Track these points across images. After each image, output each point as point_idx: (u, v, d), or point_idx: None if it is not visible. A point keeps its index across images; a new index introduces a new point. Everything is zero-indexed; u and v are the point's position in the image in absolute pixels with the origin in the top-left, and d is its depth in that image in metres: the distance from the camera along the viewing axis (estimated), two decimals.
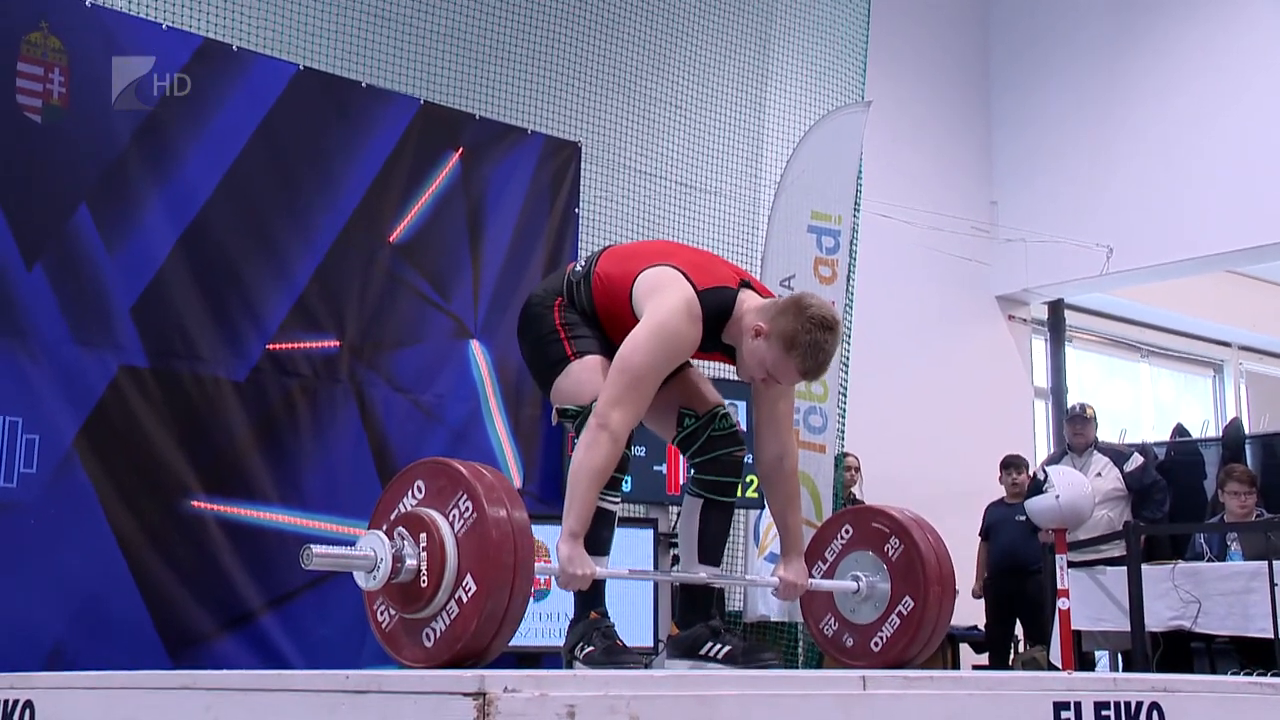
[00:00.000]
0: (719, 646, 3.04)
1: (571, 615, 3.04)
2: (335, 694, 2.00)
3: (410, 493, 2.58)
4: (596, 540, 2.95)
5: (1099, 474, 6.95)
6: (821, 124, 7.15)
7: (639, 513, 6.18)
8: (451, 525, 2.47)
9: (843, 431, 7.02)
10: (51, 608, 4.56)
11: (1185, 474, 7.78)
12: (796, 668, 6.58)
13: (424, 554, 2.47)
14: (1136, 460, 7.06)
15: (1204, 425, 9.65)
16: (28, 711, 2.53)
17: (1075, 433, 7.17)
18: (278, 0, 5.66)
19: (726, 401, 3.24)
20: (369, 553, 2.51)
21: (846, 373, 7.06)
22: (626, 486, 5.63)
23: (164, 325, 4.99)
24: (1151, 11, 9.44)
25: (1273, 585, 5.36)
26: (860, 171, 7.24)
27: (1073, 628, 5.89)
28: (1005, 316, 10.10)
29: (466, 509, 2.46)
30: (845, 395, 7.01)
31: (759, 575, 3.44)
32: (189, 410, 5.02)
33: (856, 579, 3.28)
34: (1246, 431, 8.63)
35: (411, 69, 6.03)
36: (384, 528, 2.55)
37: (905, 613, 3.21)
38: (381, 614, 2.60)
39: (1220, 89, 8.94)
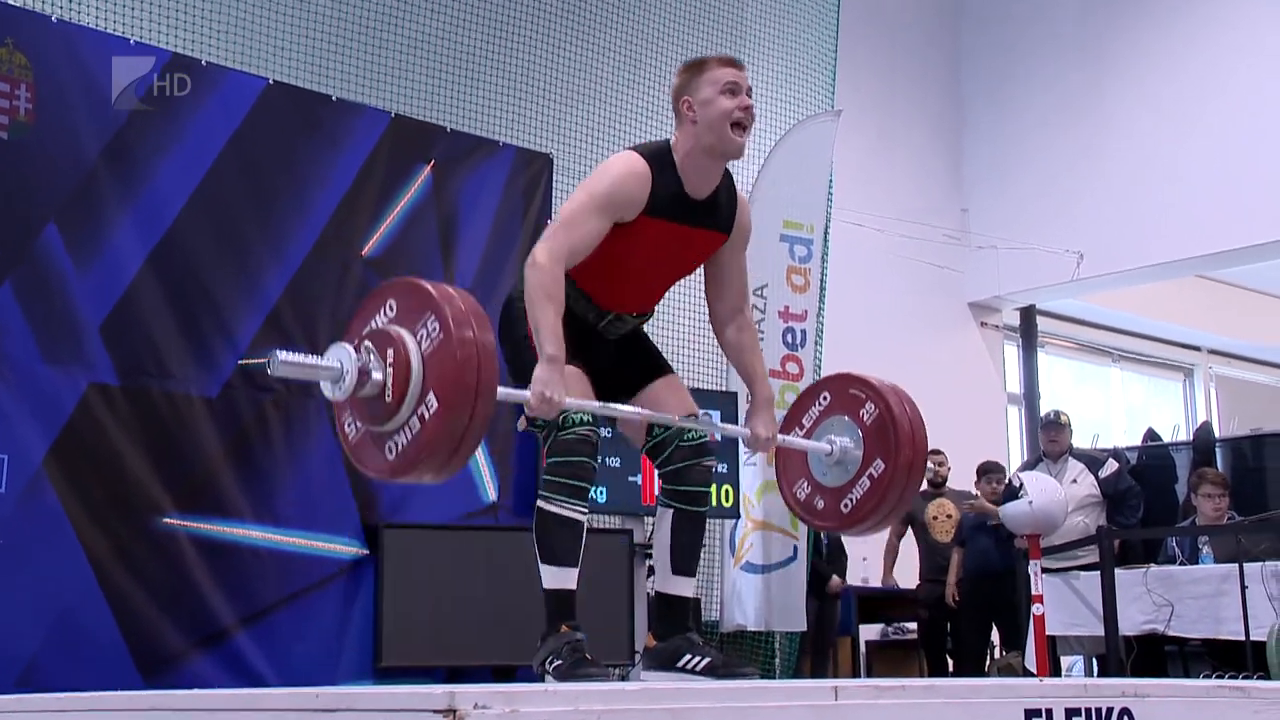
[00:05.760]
0: (697, 659, 3.02)
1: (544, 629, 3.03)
2: (305, 713, 2.00)
3: (383, 310, 2.63)
4: (565, 550, 2.94)
5: (1074, 480, 6.96)
6: (792, 133, 7.18)
7: (614, 523, 6.18)
8: (419, 344, 2.53)
9: None
10: (22, 629, 4.52)
11: (1156, 478, 7.82)
12: (774, 678, 6.59)
13: (390, 370, 2.53)
14: (1111, 466, 7.07)
15: (1175, 429, 9.71)
16: None
17: (1050, 439, 7.17)
18: (246, 14, 5.65)
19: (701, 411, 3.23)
20: (335, 364, 2.57)
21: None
22: (601, 498, 5.62)
23: (134, 342, 4.97)
24: (1120, 21, 9.52)
25: (1243, 588, 5.39)
26: (831, 180, 7.27)
27: (1047, 633, 5.92)
28: (978, 323, 10.16)
29: (434, 329, 2.51)
30: None
31: (732, 426, 3.41)
32: (160, 427, 4.99)
33: (830, 442, 3.28)
34: (1216, 435, 8.69)
35: (382, 82, 6.03)
36: (354, 342, 2.60)
37: (875, 475, 3.21)
38: (349, 426, 2.67)
39: (1188, 97, 9.03)
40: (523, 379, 3.03)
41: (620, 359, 3.18)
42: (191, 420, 5.07)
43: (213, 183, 5.24)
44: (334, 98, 5.71)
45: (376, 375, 2.54)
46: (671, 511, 3.11)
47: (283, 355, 2.55)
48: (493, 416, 2.57)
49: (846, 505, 3.26)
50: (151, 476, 4.92)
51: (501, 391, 2.62)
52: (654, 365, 3.22)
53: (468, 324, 2.50)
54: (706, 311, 3.32)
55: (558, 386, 2.80)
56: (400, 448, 2.54)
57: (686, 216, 3.06)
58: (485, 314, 2.58)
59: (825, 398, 3.36)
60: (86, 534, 4.73)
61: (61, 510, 4.68)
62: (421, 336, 2.52)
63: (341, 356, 2.57)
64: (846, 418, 3.28)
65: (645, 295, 3.18)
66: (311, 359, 2.61)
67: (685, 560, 3.14)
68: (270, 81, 5.50)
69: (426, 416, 2.49)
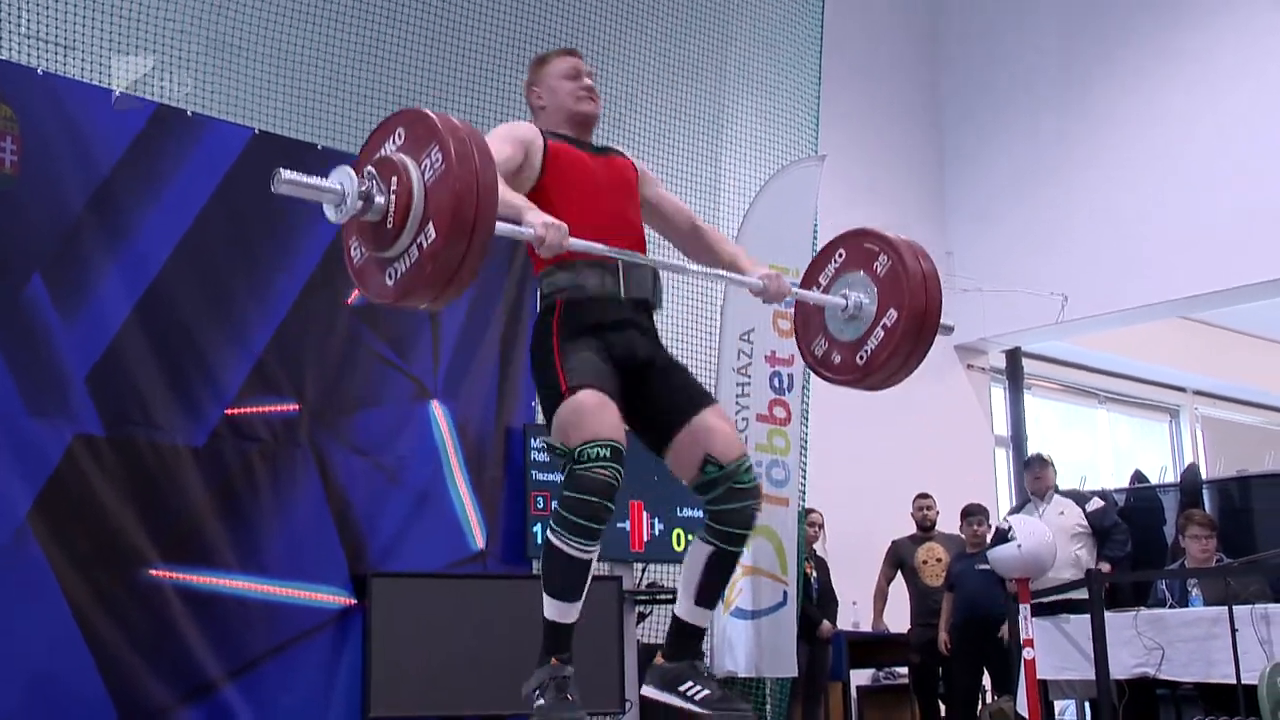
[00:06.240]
0: (698, 689, 3.05)
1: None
2: None
3: (392, 138, 2.65)
4: (569, 586, 2.94)
5: (1062, 513, 7.03)
6: (776, 178, 7.22)
7: (602, 570, 6.15)
8: (422, 174, 2.54)
9: (804, 484, 7.02)
10: (3, 685, 4.47)
11: (1144, 520, 7.83)
12: None
13: (394, 197, 2.55)
14: (1097, 503, 7.15)
15: (1161, 471, 9.74)
16: None
17: (1035, 477, 7.27)
18: (232, 65, 5.67)
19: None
20: (336, 186, 2.57)
21: (807, 426, 7.07)
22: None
23: (120, 393, 4.94)
24: (1100, 64, 9.62)
25: (1234, 630, 5.37)
26: (816, 225, 7.30)
27: (1038, 677, 5.88)
28: (964, 365, 10.18)
29: (437, 160, 2.52)
30: (806, 449, 7.02)
31: (739, 276, 3.38)
32: (146, 478, 4.96)
33: (845, 296, 3.31)
34: (1203, 476, 8.71)
35: (367, 130, 6.01)
36: (361, 168, 2.62)
37: (889, 325, 3.23)
38: (354, 249, 2.71)
39: (1168, 139, 9.11)
40: (545, 402, 3.06)
41: (662, 386, 3.16)
42: (178, 470, 5.04)
43: (198, 233, 5.24)
44: (319, 146, 5.73)
45: (379, 200, 2.56)
46: (711, 549, 3.11)
47: (286, 173, 2.52)
48: (490, 246, 2.56)
49: (861, 357, 3.29)
50: (137, 527, 4.89)
51: (501, 226, 2.65)
52: (699, 395, 3.20)
53: (470, 158, 2.51)
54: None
55: (550, 216, 2.86)
56: (399, 274, 2.58)
57: (586, 149, 3.26)
58: (490, 150, 2.60)
59: (841, 254, 3.40)
60: (71, 587, 4.68)
61: (45, 564, 4.64)
62: (425, 167, 2.55)
63: (343, 179, 2.58)
64: (861, 272, 3.32)
65: (619, 218, 3.22)
66: (314, 179, 2.59)
67: (712, 596, 3.17)
68: (256, 131, 5.52)
69: (425, 246, 2.52)
